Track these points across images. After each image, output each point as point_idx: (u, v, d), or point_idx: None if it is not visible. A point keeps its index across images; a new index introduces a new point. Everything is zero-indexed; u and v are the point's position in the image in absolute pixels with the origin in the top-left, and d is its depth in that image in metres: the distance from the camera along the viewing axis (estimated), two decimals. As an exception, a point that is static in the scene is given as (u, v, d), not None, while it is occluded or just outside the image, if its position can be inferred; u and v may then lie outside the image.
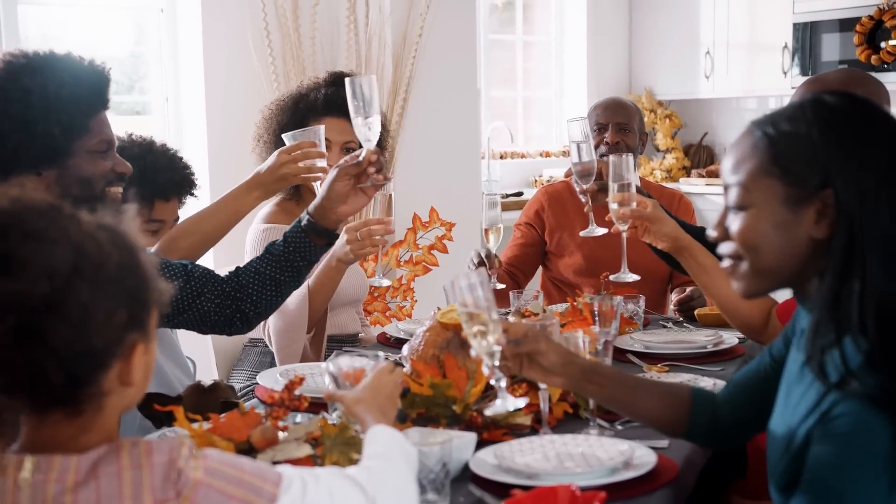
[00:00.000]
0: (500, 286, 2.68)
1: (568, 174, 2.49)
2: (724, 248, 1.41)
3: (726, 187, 1.40)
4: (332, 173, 2.03)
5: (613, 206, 2.18)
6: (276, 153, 2.25)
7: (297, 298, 2.56)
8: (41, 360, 1.07)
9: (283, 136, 2.28)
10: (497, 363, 1.54)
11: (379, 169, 2.02)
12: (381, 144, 2.87)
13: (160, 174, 2.52)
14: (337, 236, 2.10)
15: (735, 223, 1.38)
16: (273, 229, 2.70)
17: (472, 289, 1.51)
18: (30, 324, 1.06)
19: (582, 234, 2.43)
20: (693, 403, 1.61)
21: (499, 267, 2.68)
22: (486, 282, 1.52)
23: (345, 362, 1.63)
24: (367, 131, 2.01)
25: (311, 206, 2.04)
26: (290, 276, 2.05)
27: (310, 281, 2.58)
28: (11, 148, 1.83)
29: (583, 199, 2.41)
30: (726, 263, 1.42)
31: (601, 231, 2.40)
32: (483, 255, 2.70)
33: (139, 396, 1.20)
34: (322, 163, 2.27)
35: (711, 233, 1.43)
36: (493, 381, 1.55)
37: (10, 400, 1.10)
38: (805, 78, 5.42)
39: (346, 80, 2.03)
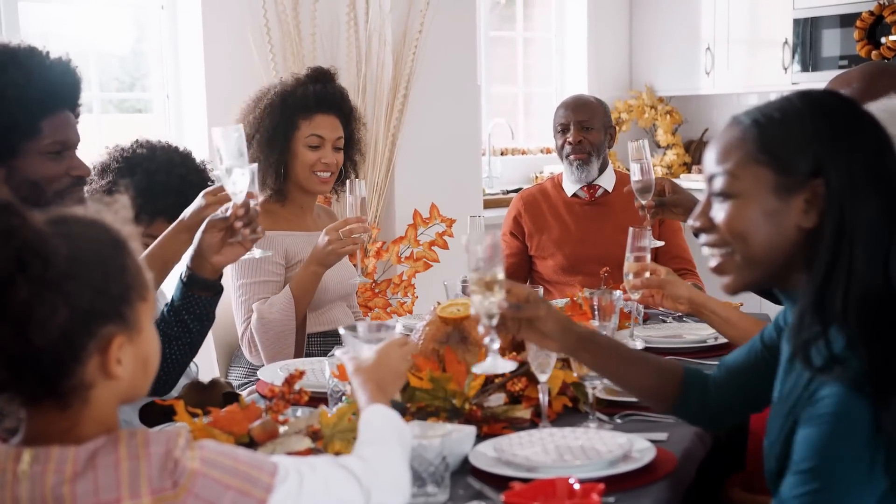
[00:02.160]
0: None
1: (628, 191, 2.55)
2: (708, 238, 1.41)
3: (710, 177, 1.39)
4: (203, 224, 1.97)
5: (628, 276, 2.23)
6: (201, 194, 2.05)
7: (281, 308, 2.57)
8: None
9: (213, 173, 2.09)
10: (494, 324, 1.55)
11: (248, 223, 1.94)
12: (357, 138, 2.87)
13: (162, 198, 2.42)
14: (218, 287, 2.04)
15: (721, 212, 1.37)
16: None
17: (485, 248, 1.53)
18: None
19: None
20: (684, 381, 1.64)
21: None
22: (499, 243, 1.54)
23: (362, 328, 1.62)
24: (231, 185, 1.93)
25: (189, 258, 2.00)
26: (179, 330, 2.00)
27: (292, 287, 2.59)
28: None
29: (641, 214, 2.51)
30: (712, 256, 1.41)
31: (658, 244, 2.55)
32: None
33: (137, 388, 1.20)
34: (252, 203, 2.08)
35: (694, 223, 1.42)
36: (485, 341, 1.57)
37: None
38: (806, 73, 5.44)
39: (213, 130, 1.93)
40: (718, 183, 1.37)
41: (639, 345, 2.37)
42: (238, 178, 1.92)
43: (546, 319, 1.59)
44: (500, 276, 1.54)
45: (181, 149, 2.60)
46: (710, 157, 1.40)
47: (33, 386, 1.12)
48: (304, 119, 2.73)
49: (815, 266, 1.30)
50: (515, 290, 1.59)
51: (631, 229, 2.32)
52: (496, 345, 1.57)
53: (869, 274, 1.27)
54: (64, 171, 1.90)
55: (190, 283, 2.00)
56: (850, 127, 1.32)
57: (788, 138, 1.33)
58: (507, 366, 1.58)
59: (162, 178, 2.45)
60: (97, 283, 1.12)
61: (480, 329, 1.57)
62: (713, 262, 1.42)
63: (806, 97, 1.36)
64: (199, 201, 2.03)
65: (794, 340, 1.32)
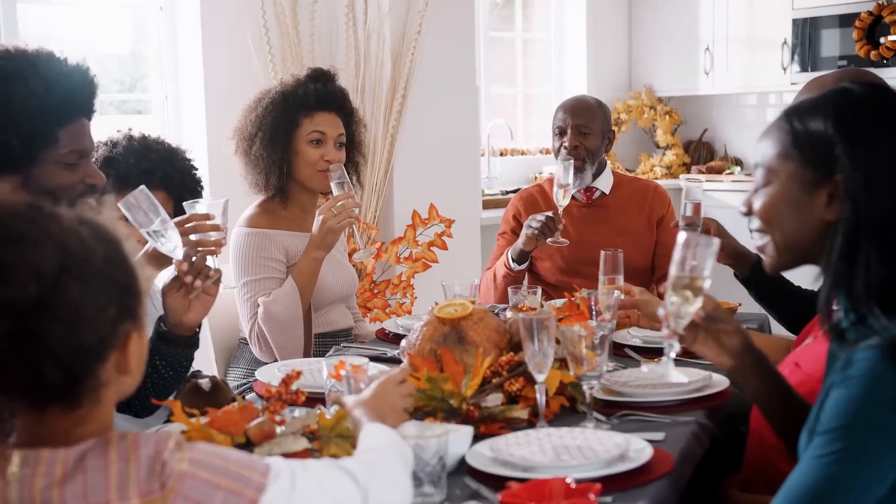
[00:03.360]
0: (564, 241, 2.99)
1: (675, 226, 2.57)
2: (751, 222, 1.52)
3: (756, 167, 1.51)
4: (160, 292, 1.97)
5: (602, 297, 2.22)
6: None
7: (286, 299, 2.59)
8: (37, 360, 1.08)
9: (184, 204, 2.09)
10: (681, 329, 1.55)
11: (196, 274, 1.93)
12: (358, 140, 2.89)
13: (125, 161, 2.45)
14: (193, 341, 2.04)
15: (758, 201, 1.49)
16: (256, 234, 2.68)
17: (703, 251, 1.53)
18: (23, 326, 1.07)
19: None
20: None
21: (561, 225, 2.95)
22: (716, 251, 1.54)
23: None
24: (162, 246, 1.92)
25: (164, 318, 2.00)
26: (150, 371, 1.97)
27: (294, 277, 2.61)
28: None
29: None
30: (757, 238, 1.52)
31: None
32: (552, 215, 2.94)
33: (135, 384, 1.20)
34: (216, 235, 2.04)
35: (741, 208, 1.54)
36: (667, 343, 1.57)
37: (8, 401, 1.10)
38: (805, 74, 5.44)
39: (119, 204, 1.87)
40: (758, 174, 1.50)
41: (637, 342, 2.38)
42: (166, 238, 1.90)
43: (732, 334, 1.58)
44: (707, 284, 1.54)
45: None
46: (758, 148, 1.51)
47: (50, 392, 1.11)
48: (306, 117, 2.74)
49: (833, 258, 1.37)
50: (706, 300, 1.57)
51: (603, 252, 2.36)
52: (674, 352, 1.57)
53: (885, 265, 1.34)
54: (79, 179, 1.88)
55: (165, 339, 2.00)
56: (876, 126, 1.38)
57: (814, 135, 1.41)
58: (679, 377, 1.58)
59: (124, 145, 2.50)
60: (123, 280, 1.15)
61: (664, 331, 1.56)
62: (757, 244, 1.53)
63: (842, 93, 1.43)
64: None
65: (823, 323, 1.40)
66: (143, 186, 1.91)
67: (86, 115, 1.91)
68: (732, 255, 2.56)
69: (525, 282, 3.28)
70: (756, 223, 1.51)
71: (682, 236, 1.55)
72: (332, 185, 2.62)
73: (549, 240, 2.95)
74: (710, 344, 1.59)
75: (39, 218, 1.11)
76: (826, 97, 1.44)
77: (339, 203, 2.56)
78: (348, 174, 2.86)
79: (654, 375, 1.60)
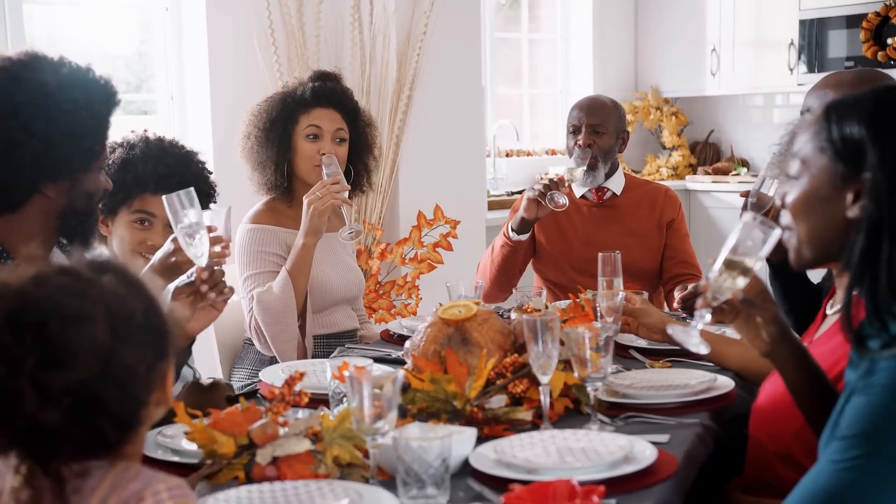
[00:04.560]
0: (564, 202, 2.93)
1: (744, 194, 2.50)
2: (783, 217, 1.52)
3: (793, 156, 1.51)
4: (169, 294, 1.96)
5: (602, 301, 2.21)
6: (169, 239, 2.03)
7: (278, 288, 2.61)
8: (98, 423, 1.09)
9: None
10: (715, 304, 1.57)
11: (213, 285, 1.92)
12: (368, 142, 2.89)
13: (141, 165, 2.46)
14: (187, 351, 2.05)
15: (790, 193, 1.49)
16: (259, 230, 2.71)
17: (762, 236, 1.53)
18: (84, 397, 1.08)
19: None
20: None
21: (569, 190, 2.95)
22: (776, 240, 1.53)
23: None
24: (191, 249, 1.92)
25: None
26: None
27: (287, 266, 2.63)
28: (55, 158, 1.80)
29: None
30: (785, 234, 1.52)
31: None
32: (555, 178, 2.97)
33: (167, 410, 1.22)
34: (218, 247, 2.04)
35: (777, 201, 1.55)
36: (698, 311, 1.58)
37: (72, 461, 1.10)
38: (812, 74, 5.42)
39: (164, 198, 1.92)
40: (794, 165, 1.49)
41: (642, 344, 2.37)
42: (197, 242, 1.91)
43: (769, 322, 1.59)
44: (757, 267, 1.55)
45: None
46: (797, 139, 1.50)
47: (107, 446, 1.13)
48: (303, 113, 2.76)
49: (854, 257, 1.36)
50: (752, 282, 1.59)
51: (600, 255, 2.36)
52: (702, 323, 1.58)
53: None
54: (104, 183, 1.94)
55: None
56: None
57: (849, 132, 1.40)
58: (700, 347, 1.60)
59: (141, 147, 2.51)
60: (159, 327, 1.17)
61: (698, 301, 1.58)
62: (784, 237, 1.53)
63: (884, 92, 1.43)
64: (167, 246, 2.02)
65: (843, 324, 1.38)
66: (191, 189, 1.93)
67: None
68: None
69: (534, 283, 3.27)
70: (787, 218, 1.50)
71: (746, 217, 1.56)
72: (324, 175, 2.64)
73: (548, 197, 2.89)
74: (749, 327, 1.61)
75: (86, 288, 1.12)
76: (868, 95, 1.43)
77: (325, 187, 2.58)
78: (358, 176, 2.87)
79: (677, 337, 1.61)
